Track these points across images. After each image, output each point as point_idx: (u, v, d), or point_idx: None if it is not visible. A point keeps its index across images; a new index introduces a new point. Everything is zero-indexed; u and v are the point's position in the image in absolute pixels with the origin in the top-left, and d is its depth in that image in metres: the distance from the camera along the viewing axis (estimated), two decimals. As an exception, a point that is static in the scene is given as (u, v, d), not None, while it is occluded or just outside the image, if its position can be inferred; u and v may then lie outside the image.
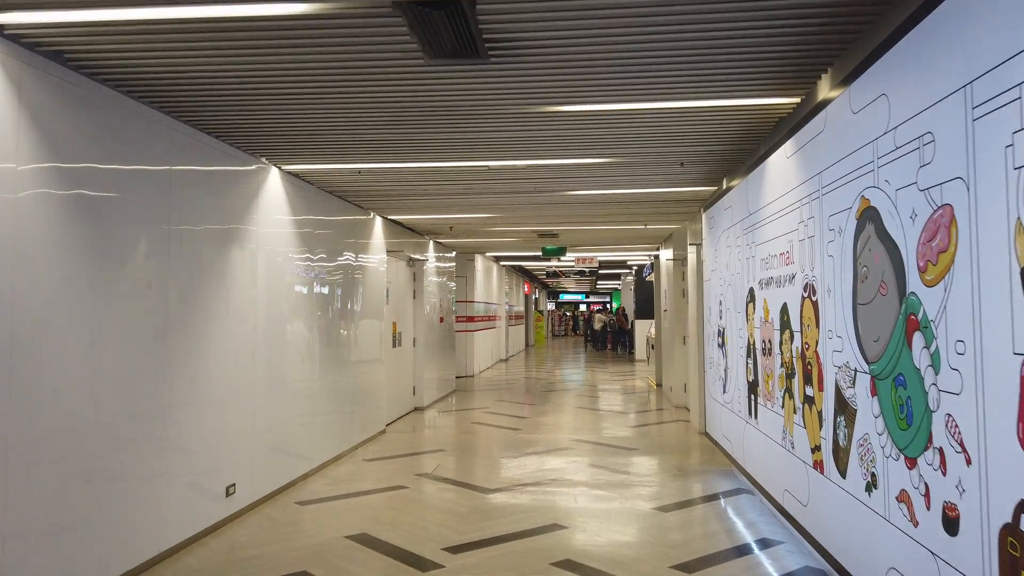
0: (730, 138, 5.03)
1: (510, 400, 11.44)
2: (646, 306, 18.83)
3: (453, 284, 13.08)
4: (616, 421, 9.23)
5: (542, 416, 9.68)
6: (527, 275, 26.74)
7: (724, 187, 6.50)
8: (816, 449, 3.99)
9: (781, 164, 4.58)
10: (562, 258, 16.39)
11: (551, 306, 44.57)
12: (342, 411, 7.11)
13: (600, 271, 22.98)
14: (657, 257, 13.82)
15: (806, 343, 4.12)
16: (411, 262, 10.30)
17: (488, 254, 16.50)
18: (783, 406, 4.66)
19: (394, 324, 9.34)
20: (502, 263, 19.16)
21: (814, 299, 3.95)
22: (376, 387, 8.20)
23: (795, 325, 4.33)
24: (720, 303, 6.80)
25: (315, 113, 4.34)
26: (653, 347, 14.04)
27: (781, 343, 4.66)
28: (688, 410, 9.88)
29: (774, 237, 4.80)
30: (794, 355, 4.36)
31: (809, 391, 4.08)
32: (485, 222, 9.26)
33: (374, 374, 8.14)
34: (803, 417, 4.22)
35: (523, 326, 27.46)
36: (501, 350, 20.39)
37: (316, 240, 6.54)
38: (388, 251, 8.84)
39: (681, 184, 6.72)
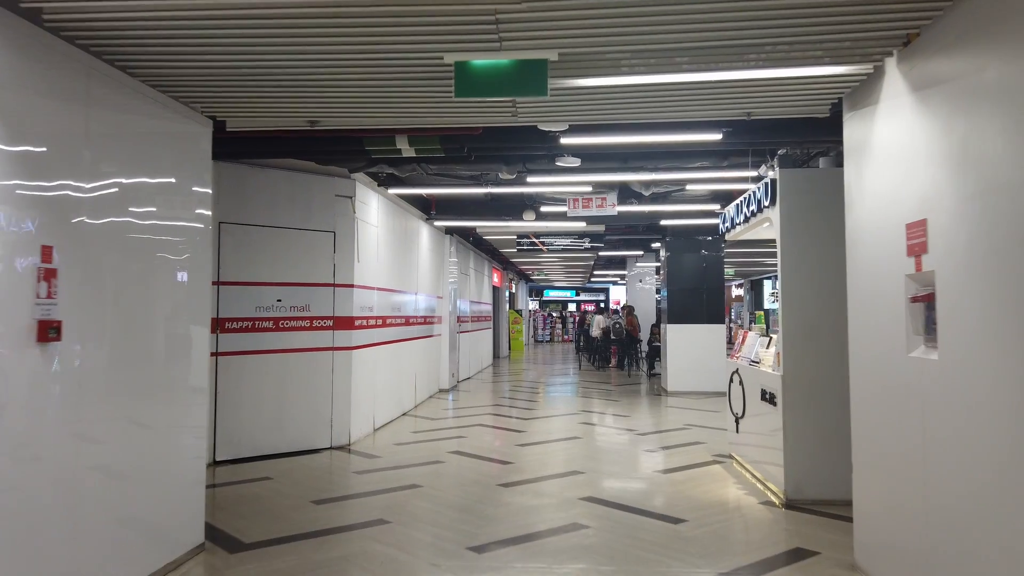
0: None
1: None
2: (694, 299, 10.51)
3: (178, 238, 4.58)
4: None
5: None
6: (493, 256, 18.38)
7: None
8: None
9: None
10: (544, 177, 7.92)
11: (533, 304, 36.18)
12: None
13: (603, 248, 14.62)
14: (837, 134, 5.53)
15: None
16: None
17: (400, 190, 8.12)
18: None
19: None
20: (438, 220, 10.74)
21: None
22: None
23: None
24: None
25: None
26: (757, 395, 5.73)
27: None
28: None
29: None
30: None
31: None
32: None
33: None
34: None
35: (490, 330, 19.08)
36: (441, 375, 12.02)
37: None
38: None
39: None
